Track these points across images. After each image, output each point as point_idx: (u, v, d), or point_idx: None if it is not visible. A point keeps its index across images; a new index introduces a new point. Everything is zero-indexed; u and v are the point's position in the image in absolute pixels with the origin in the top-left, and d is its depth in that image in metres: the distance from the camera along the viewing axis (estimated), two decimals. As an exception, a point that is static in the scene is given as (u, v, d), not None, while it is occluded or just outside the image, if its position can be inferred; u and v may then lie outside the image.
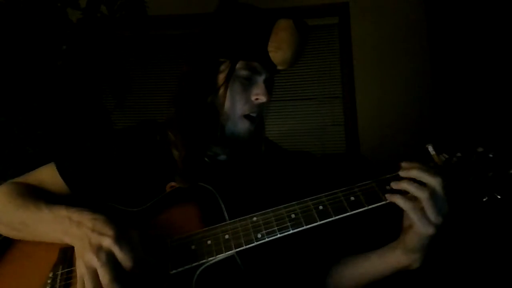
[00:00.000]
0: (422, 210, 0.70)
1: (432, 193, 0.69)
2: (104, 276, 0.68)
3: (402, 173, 0.75)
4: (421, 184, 0.71)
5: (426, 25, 2.56)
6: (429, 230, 0.70)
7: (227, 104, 0.92)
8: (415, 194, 0.70)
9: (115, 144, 0.97)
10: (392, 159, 2.42)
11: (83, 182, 0.93)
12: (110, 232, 0.71)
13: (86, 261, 0.69)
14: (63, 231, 0.77)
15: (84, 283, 0.70)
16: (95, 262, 0.68)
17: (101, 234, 0.71)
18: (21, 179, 0.95)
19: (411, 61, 2.58)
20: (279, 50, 0.89)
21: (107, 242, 0.69)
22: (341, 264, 0.95)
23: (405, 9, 2.62)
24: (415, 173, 0.72)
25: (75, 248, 0.74)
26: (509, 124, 1.74)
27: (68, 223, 0.76)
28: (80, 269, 0.70)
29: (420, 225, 0.70)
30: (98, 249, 0.69)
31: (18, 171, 0.97)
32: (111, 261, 0.69)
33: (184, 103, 0.96)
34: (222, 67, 0.93)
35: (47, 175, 0.94)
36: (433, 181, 0.70)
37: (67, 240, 0.76)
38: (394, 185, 0.74)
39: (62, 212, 0.79)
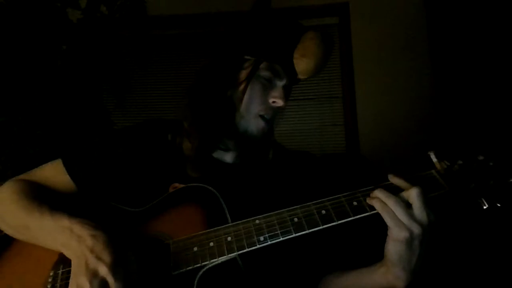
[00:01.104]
0: (394, 214, 0.72)
1: (397, 200, 0.72)
2: None
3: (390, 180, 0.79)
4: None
5: (426, 25, 2.57)
6: (401, 233, 0.71)
7: (244, 101, 0.93)
8: (384, 200, 0.73)
9: (122, 142, 0.97)
10: (392, 159, 2.43)
11: (89, 179, 0.93)
12: (107, 258, 0.71)
13: (79, 284, 0.69)
14: (62, 242, 0.77)
15: None
16: None
17: (99, 258, 0.70)
18: (27, 176, 0.95)
19: (411, 61, 2.58)
20: (303, 58, 0.92)
21: (103, 270, 0.69)
22: (333, 275, 0.95)
23: (405, 9, 2.62)
24: (396, 181, 0.78)
25: (71, 263, 0.74)
26: (510, 130, 1.74)
27: (69, 235, 0.76)
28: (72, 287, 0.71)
29: (392, 227, 0.71)
30: (93, 275, 0.69)
31: (18, 171, 0.96)
32: None
33: (203, 94, 0.97)
34: (246, 65, 0.94)
35: (53, 172, 0.94)
36: (408, 192, 0.73)
37: (65, 252, 0.77)
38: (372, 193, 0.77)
39: (64, 222, 0.78)
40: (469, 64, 2.14)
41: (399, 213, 0.71)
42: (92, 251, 0.71)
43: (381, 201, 0.73)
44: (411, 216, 0.71)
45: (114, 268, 0.70)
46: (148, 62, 2.21)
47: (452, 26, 2.29)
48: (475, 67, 2.11)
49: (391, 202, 0.72)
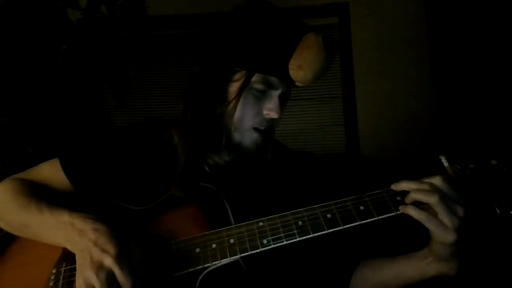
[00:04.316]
0: (437, 219, 0.68)
1: (442, 196, 0.68)
2: None
3: (408, 185, 0.73)
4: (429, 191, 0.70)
5: (426, 25, 2.57)
6: (449, 237, 0.68)
7: (236, 114, 0.87)
8: (426, 200, 0.69)
9: (120, 141, 0.95)
10: (392, 159, 2.43)
11: (87, 180, 0.91)
12: (112, 250, 0.70)
13: (86, 277, 0.69)
14: (65, 237, 0.76)
15: None
16: (94, 280, 0.68)
17: (103, 250, 0.70)
18: (23, 175, 0.93)
19: (411, 61, 2.58)
20: (300, 70, 0.81)
21: (108, 262, 0.69)
22: (363, 267, 0.91)
23: (405, 9, 2.62)
24: (419, 185, 0.72)
25: (76, 257, 0.73)
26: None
27: (70, 229, 0.75)
28: (79, 282, 0.70)
29: (439, 234, 0.68)
30: (99, 267, 0.68)
31: (18, 171, 0.95)
32: (110, 281, 0.68)
33: (191, 109, 0.90)
34: (236, 76, 0.85)
35: (50, 172, 0.92)
36: (440, 183, 0.70)
37: (69, 246, 0.76)
38: (406, 199, 0.72)
39: (65, 217, 0.77)
40: (469, 64, 2.14)
41: (443, 213, 0.67)
42: (95, 243, 0.71)
43: (418, 209, 0.69)
44: (453, 213, 0.67)
45: (119, 259, 0.69)
46: (148, 62, 2.22)
47: (452, 25, 2.29)
48: (475, 67, 2.11)
49: (434, 200, 0.67)
